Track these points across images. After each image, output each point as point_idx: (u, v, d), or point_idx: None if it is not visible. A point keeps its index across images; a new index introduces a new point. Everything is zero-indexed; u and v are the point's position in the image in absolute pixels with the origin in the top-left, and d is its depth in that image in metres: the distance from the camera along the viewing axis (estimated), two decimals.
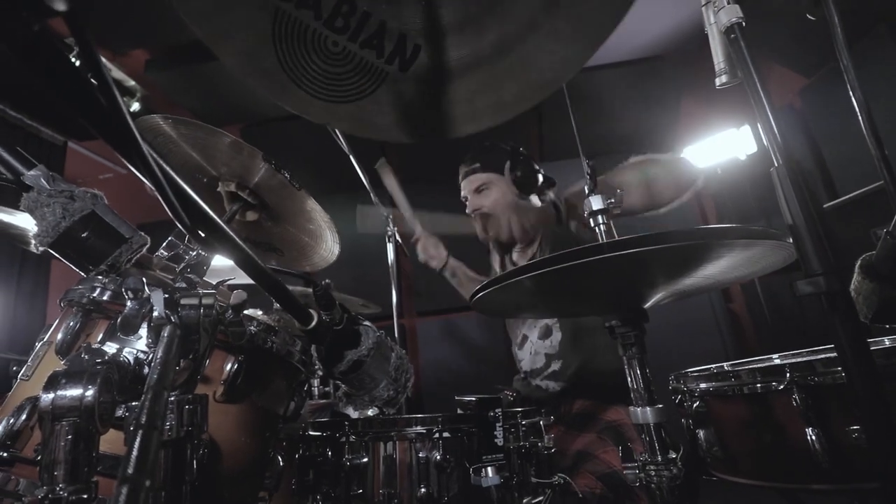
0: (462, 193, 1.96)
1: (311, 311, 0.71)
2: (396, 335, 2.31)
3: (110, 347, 0.65)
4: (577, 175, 1.23)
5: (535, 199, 1.87)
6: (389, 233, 2.52)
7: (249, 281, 0.58)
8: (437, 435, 0.96)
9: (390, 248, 2.49)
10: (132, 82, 3.15)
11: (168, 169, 0.40)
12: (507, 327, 2.01)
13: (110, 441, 0.61)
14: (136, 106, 3.19)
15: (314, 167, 3.31)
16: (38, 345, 0.86)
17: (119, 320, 0.55)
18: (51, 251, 0.70)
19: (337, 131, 1.98)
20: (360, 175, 2.21)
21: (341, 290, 2.34)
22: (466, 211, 1.94)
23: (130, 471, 0.28)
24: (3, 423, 0.72)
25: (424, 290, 3.47)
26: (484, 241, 1.95)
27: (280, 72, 0.79)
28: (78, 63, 0.31)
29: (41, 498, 0.47)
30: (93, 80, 0.32)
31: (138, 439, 0.31)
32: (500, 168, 1.83)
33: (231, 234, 0.48)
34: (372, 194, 2.31)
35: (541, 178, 1.85)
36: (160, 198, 0.43)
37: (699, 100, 3.50)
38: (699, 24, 0.77)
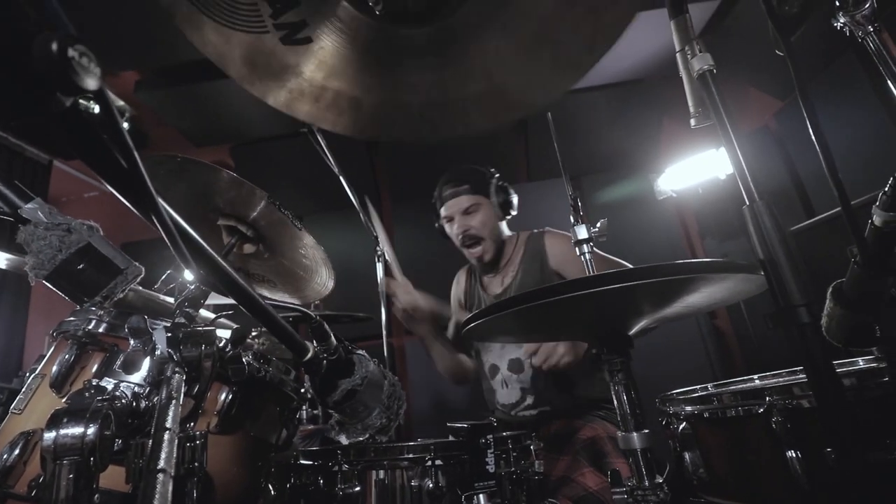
0: (444, 214, 1.92)
1: (307, 343, 0.72)
2: (385, 354, 2.31)
3: (108, 382, 0.66)
4: (562, 194, 1.28)
5: (503, 225, 1.93)
6: (379, 252, 2.54)
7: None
8: (429, 462, 0.96)
9: (379, 267, 2.51)
10: (121, 102, 3.15)
11: (178, 218, 0.42)
12: (474, 356, 1.96)
13: (104, 475, 0.61)
14: (125, 126, 3.21)
15: (302, 187, 3.33)
16: (31, 377, 0.85)
17: (122, 359, 0.56)
18: (46, 283, 0.71)
19: (325, 149, 2.02)
20: (349, 194, 2.23)
21: (329, 309, 2.35)
22: (454, 230, 1.90)
23: None
24: None
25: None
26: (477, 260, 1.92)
27: None
28: (103, 132, 0.33)
29: None
30: (116, 145, 0.34)
31: (156, 485, 0.33)
32: (487, 191, 1.87)
33: (233, 274, 0.50)
34: (361, 215, 2.32)
35: (515, 201, 1.91)
36: (168, 242, 0.45)
37: (679, 122, 3.61)
38: None
